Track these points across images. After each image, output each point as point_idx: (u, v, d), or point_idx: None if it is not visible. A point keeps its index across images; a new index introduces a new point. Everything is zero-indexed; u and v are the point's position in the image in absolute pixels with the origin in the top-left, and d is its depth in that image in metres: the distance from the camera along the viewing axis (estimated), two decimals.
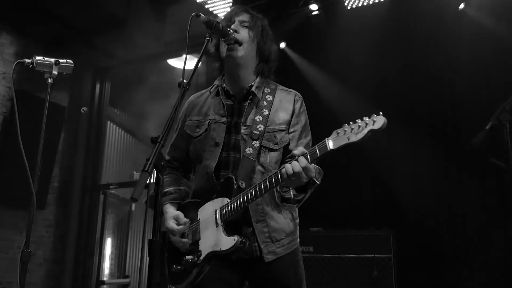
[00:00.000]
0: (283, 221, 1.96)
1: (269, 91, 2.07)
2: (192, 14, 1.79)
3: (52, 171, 6.14)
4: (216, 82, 2.16)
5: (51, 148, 5.95)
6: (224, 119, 2.03)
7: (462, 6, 4.92)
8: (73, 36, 6.14)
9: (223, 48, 2.04)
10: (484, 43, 4.67)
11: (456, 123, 4.76)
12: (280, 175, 1.73)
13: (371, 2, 5.32)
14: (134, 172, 7.25)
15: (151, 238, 1.43)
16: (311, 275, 4.33)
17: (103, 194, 6.72)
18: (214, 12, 5.49)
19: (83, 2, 5.46)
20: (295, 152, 1.73)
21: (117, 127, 7.67)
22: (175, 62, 6.55)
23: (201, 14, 1.80)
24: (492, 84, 4.54)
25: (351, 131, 1.59)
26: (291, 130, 2.03)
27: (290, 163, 1.70)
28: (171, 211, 2.03)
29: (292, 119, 2.04)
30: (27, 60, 2.40)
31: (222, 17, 2.19)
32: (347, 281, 4.29)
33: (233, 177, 1.90)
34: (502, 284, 4.17)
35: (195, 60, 1.83)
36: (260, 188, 1.78)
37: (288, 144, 2.02)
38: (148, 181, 1.41)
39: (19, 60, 2.40)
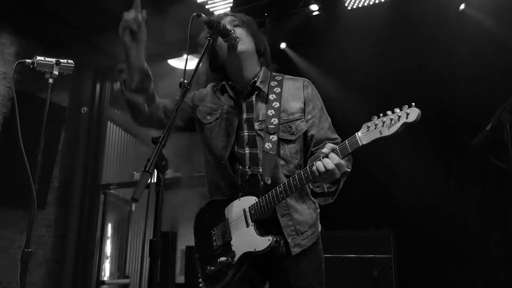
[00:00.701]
0: (307, 212, 1.97)
1: (276, 83, 2.06)
2: (193, 15, 1.79)
3: (52, 171, 6.15)
4: (223, 82, 2.14)
5: (52, 148, 5.96)
6: (237, 111, 2.03)
7: (462, 6, 4.92)
8: (73, 36, 6.14)
9: (224, 49, 2.03)
10: (485, 44, 4.68)
11: (456, 123, 4.76)
12: (311, 172, 1.69)
13: (371, 3, 5.32)
14: (134, 172, 7.25)
15: (152, 238, 1.43)
16: None
17: (103, 194, 6.72)
18: (215, 13, 5.49)
19: (84, 2, 5.46)
20: (324, 150, 1.68)
21: (118, 127, 7.67)
22: (176, 63, 6.55)
23: (202, 14, 1.80)
24: (493, 84, 4.54)
25: (382, 125, 1.53)
26: (309, 117, 2.01)
27: (321, 161, 1.65)
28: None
29: (306, 106, 2.02)
30: (28, 60, 2.40)
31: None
32: (347, 281, 4.29)
33: (259, 174, 1.88)
34: (502, 284, 4.17)
35: (196, 60, 1.83)
36: (290, 186, 1.75)
37: (306, 132, 2.00)
38: (149, 181, 1.41)
39: (19, 60, 2.41)
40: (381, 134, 1.53)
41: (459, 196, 4.59)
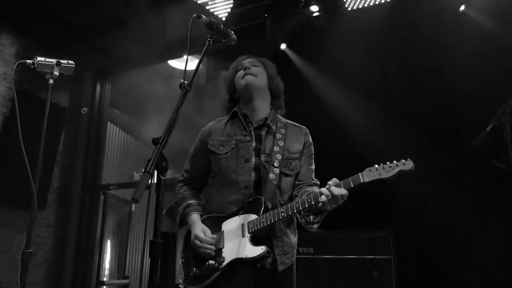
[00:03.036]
0: (292, 236, 2.23)
1: (281, 125, 2.33)
2: (194, 15, 1.80)
3: (52, 171, 6.14)
4: (236, 109, 2.37)
5: (52, 148, 5.96)
6: (249, 138, 2.26)
7: (462, 7, 4.93)
8: (73, 37, 6.14)
9: (240, 80, 2.30)
10: (485, 44, 4.68)
11: (456, 124, 4.76)
12: (314, 197, 1.96)
13: (371, 4, 5.32)
14: (134, 172, 7.25)
15: (152, 238, 1.43)
16: (311, 276, 4.33)
17: (103, 194, 6.71)
18: (215, 14, 5.49)
19: (84, 2, 5.46)
20: (330, 182, 1.98)
21: (118, 128, 7.66)
22: (176, 63, 6.55)
23: (203, 15, 1.81)
24: (493, 85, 4.54)
25: (383, 169, 1.91)
26: (303, 157, 2.31)
27: (328, 188, 1.95)
28: (199, 223, 2.20)
29: (304, 149, 2.32)
30: (28, 61, 2.41)
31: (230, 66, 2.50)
32: (347, 282, 4.29)
33: (262, 198, 2.11)
34: (502, 285, 4.18)
35: (196, 61, 1.83)
36: (292, 207, 2.01)
37: (299, 171, 2.28)
38: (149, 182, 1.41)
39: (20, 61, 2.41)
40: (380, 176, 1.90)
41: (459, 197, 4.59)
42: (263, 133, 2.28)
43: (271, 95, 2.39)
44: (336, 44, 5.34)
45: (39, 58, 2.41)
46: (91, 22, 5.92)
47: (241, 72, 2.33)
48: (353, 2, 5.38)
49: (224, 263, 2.04)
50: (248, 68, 2.32)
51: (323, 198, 1.94)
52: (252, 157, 2.21)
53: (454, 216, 4.60)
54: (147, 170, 1.42)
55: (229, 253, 2.07)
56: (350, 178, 1.95)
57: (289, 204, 2.03)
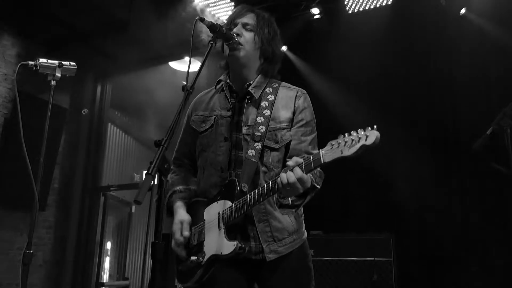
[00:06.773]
0: (287, 220, 1.94)
1: (271, 90, 2.04)
2: (196, 18, 1.79)
3: (52, 172, 6.14)
4: (222, 78, 2.15)
5: (52, 149, 5.96)
6: (230, 113, 2.03)
7: (463, 11, 4.94)
8: (74, 38, 6.15)
9: (226, 50, 2.03)
10: (485, 48, 4.70)
11: (457, 127, 4.77)
12: (276, 184, 1.70)
13: (372, 7, 5.34)
14: (135, 174, 7.25)
15: (154, 240, 1.43)
16: None
17: (103, 196, 6.71)
18: (216, 16, 5.51)
19: (85, 4, 5.47)
20: (289, 163, 1.67)
21: (118, 129, 7.68)
22: (177, 65, 6.57)
23: (205, 18, 1.81)
24: (493, 89, 4.55)
25: (344, 145, 1.51)
26: (294, 127, 1.99)
27: (285, 173, 1.66)
28: (181, 212, 2.01)
29: (294, 116, 1.99)
30: (30, 62, 2.41)
31: (226, 19, 2.15)
32: (347, 284, 4.29)
33: (236, 180, 1.88)
34: None
35: (197, 63, 1.84)
36: (258, 195, 1.76)
37: (290, 142, 1.97)
38: (151, 184, 1.42)
39: (22, 62, 2.41)
40: (342, 153, 1.52)
41: (459, 200, 4.60)
42: (245, 102, 2.02)
43: (264, 60, 2.08)
44: (336, 47, 5.36)
45: (41, 60, 2.41)
46: (92, 24, 5.93)
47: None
48: (354, 5, 5.40)
49: (205, 259, 1.88)
50: (237, 35, 1.99)
51: (279, 185, 1.67)
52: (233, 133, 1.99)
53: (455, 219, 4.61)
54: (150, 172, 1.42)
55: (208, 248, 1.89)
56: (311, 158, 1.60)
57: (256, 191, 1.76)
